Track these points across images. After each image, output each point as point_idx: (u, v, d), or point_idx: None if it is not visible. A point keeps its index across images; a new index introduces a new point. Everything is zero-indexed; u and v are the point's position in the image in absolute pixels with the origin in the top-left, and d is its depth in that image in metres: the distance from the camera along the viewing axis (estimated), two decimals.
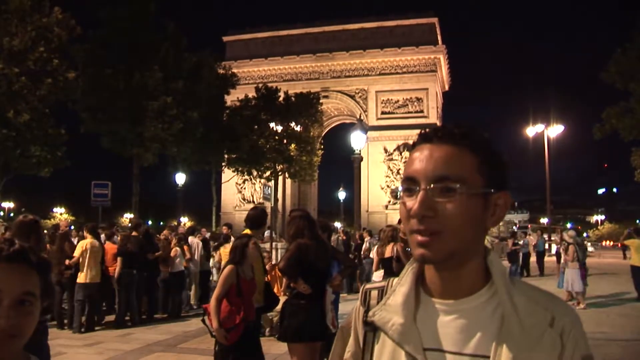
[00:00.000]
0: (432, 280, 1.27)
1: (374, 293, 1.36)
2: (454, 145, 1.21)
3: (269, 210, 45.80)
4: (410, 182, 1.22)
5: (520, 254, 24.06)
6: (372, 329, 1.31)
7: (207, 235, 18.87)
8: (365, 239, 18.58)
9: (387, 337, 1.26)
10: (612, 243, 60.70)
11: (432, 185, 1.17)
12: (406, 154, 53.54)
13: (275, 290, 11.07)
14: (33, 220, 5.54)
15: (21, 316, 1.37)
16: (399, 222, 11.19)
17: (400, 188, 1.25)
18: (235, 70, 43.07)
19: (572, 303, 14.67)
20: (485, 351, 1.17)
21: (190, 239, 14.93)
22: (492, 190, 1.22)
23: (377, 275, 9.52)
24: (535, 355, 1.14)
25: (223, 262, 6.56)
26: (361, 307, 1.36)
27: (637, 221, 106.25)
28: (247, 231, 6.79)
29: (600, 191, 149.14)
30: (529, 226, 65.41)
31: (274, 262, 13.41)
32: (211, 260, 15.73)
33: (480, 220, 1.21)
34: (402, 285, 1.29)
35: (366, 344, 1.33)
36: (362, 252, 18.16)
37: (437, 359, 1.20)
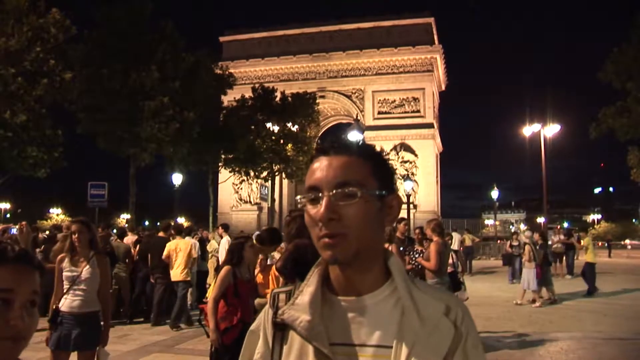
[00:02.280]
0: (337, 279, 1.36)
1: (282, 296, 1.43)
2: (349, 155, 1.33)
3: (265, 210, 45.70)
4: (313, 191, 1.32)
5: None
6: (280, 329, 1.38)
7: (206, 235, 18.83)
8: None
9: (295, 336, 1.33)
10: (600, 243, 61.15)
11: (334, 191, 1.28)
12: (403, 153, 53.67)
13: (270, 289, 11.10)
14: None
15: (30, 317, 1.37)
16: (400, 221, 11.22)
17: (300, 199, 1.36)
18: (231, 71, 43.05)
19: (530, 302, 14.76)
20: (388, 341, 1.26)
21: (187, 239, 14.90)
22: (387, 193, 1.34)
23: None
24: (433, 340, 1.24)
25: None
26: (270, 309, 1.43)
27: (634, 220, 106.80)
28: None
29: (597, 190, 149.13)
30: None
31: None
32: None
33: (379, 221, 1.33)
34: (308, 286, 1.38)
35: (275, 344, 1.39)
36: None
37: (343, 352, 1.28)
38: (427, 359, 1.22)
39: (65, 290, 5.35)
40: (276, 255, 14.69)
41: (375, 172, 1.32)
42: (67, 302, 5.32)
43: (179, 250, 12.15)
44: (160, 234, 13.50)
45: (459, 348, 1.26)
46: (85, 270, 5.39)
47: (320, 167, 1.34)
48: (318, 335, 1.28)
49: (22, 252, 1.42)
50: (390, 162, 1.43)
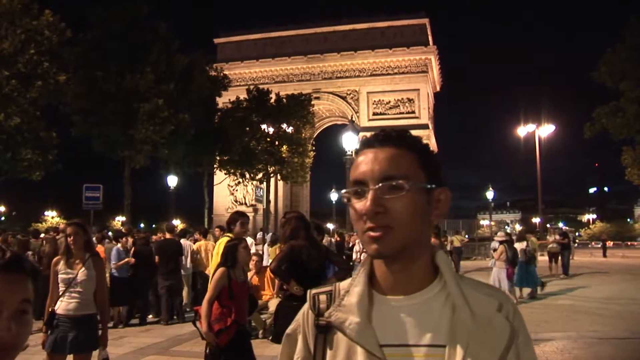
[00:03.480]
0: (384, 277, 1.33)
1: (323, 297, 1.40)
2: (395, 146, 1.30)
3: (261, 212, 45.64)
4: (358, 185, 1.29)
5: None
6: (322, 332, 1.35)
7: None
8: (357, 241, 18.36)
9: (341, 339, 1.31)
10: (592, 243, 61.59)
11: (380, 185, 1.25)
12: None
13: (267, 291, 11.10)
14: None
15: (21, 326, 1.33)
16: None
17: (344, 193, 1.33)
18: (226, 72, 43.08)
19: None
20: (441, 340, 1.24)
21: (182, 241, 14.89)
22: (434, 186, 1.31)
23: None
24: (487, 338, 1.22)
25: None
26: (310, 311, 1.40)
27: (628, 220, 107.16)
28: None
29: (592, 190, 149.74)
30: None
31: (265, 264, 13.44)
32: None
33: (426, 215, 1.30)
34: (355, 286, 1.34)
35: (317, 347, 1.36)
36: (355, 254, 17.91)
37: (395, 353, 1.25)
38: (484, 357, 1.20)
39: (61, 293, 5.34)
40: (259, 249, 14.59)
41: (422, 164, 1.30)
42: (63, 305, 5.31)
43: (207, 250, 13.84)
44: (168, 235, 13.83)
45: (513, 345, 1.24)
46: (81, 273, 5.38)
47: (365, 160, 1.30)
48: (368, 337, 1.26)
49: (13, 259, 1.37)
50: (437, 155, 1.39)
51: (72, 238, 5.44)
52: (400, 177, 1.25)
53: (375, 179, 1.25)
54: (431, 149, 1.37)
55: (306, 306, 1.43)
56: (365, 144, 1.35)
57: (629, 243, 62.38)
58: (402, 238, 1.24)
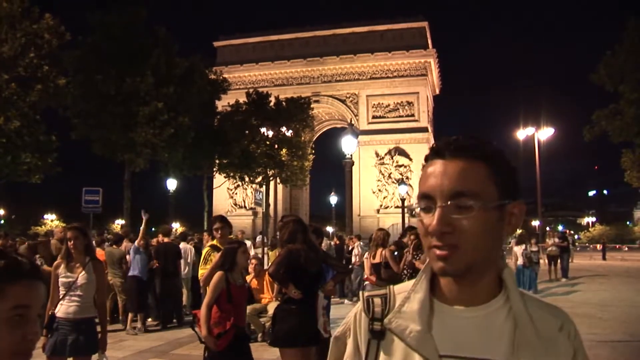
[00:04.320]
0: (448, 288, 1.30)
1: (378, 301, 1.36)
2: (467, 158, 1.24)
3: (260, 215, 45.63)
4: (426, 200, 1.24)
5: None
6: (377, 337, 1.32)
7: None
8: (356, 244, 18.26)
9: (398, 345, 1.28)
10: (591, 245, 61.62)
11: (448, 203, 1.20)
12: (397, 157, 53.73)
13: (266, 295, 11.10)
14: None
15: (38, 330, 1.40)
16: (410, 229, 11.16)
17: (415, 205, 1.28)
18: (226, 76, 43.13)
19: None
20: (499, 355, 1.21)
21: (182, 244, 14.90)
22: (507, 201, 1.24)
23: None
24: (551, 357, 1.21)
25: None
26: (364, 315, 1.36)
27: (628, 222, 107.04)
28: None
29: (591, 193, 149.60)
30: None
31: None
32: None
33: (496, 231, 1.24)
34: (416, 292, 1.31)
35: (369, 352, 1.33)
36: (354, 258, 17.78)
37: None
38: None
39: (61, 296, 5.37)
40: (258, 252, 14.61)
41: (495, 178, 1.23)
42: (63, 308, 5.34)
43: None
44: (165, 239, 13.79)
45: None
46: (81, 276, 5.42)
47: (435, 173, 1.25)
48: (429, 346, 1.23)
49: (35, 267, 1.43)
50: (512, 163, 1.30)
51: (72, 242, 5.48)
52: (470, 194, 1.20)
53: (445, 195, 1.21)
54: (507, 158, 1.30)
55: (358, 309, 1.40)
56: (435, 154, 1.29)
57: (626, 248, 62.30)
58: (469, 258, 1.21)
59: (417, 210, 1.27)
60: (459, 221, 1.19)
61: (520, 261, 17.05)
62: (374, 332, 1.32)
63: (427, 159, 1.32)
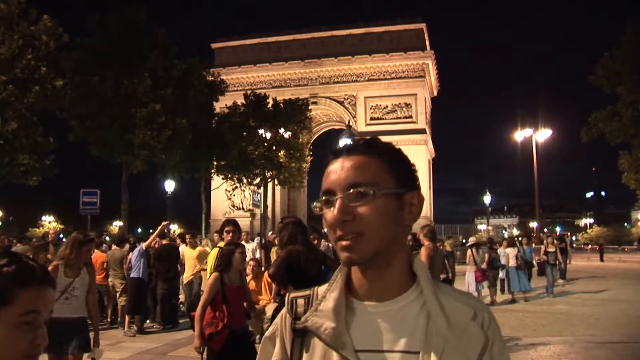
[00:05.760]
0: (360, 284, 1.33)
1: (300, 301, 1.40)
2: (363, 154, 1.30)
3: (258, 217, 45.63)
4: (328, 194, 1.30)
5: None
6: (299, 336, 1.36)
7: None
8: None
9: (317, 343, 1.31)
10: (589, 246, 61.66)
11: (346, 192, 1.26)
12: None
13: (264, 296, 11.09)
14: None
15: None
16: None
17: (316, 203, 1.33)
18: (223, 77, 43.09)
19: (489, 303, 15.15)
20: (415, 347, 1.24)
21: (182, 246, 14.91)
22: (404, 189, 1.30)
23: None
24: (462, 346, 1.22)
25: None
26: (288, 315, 1.40)
27: (625, 224, 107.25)
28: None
29: (589, 195, 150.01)
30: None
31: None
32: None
33: (398, 219, 1.30)
34: (332, 292, 1.35)
35: (293, 351, 1.37)
36: None
37: (369, 358, 1.26)
38: None
39: (56, 298, 5.45)
40: (256, 254, 14.61)
41: (390, 169, 1.29)
42: (57, 309, 5.44)
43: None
44: (164, 241, 13.78)
45: (486, 353, 1.24)
46: (77, 279, 5.81)
47: (334, 170, 1.31)
48: (344, 342, 1.26)
49: (46, 271, 1.44)
50: (408, 158, 1.38)
51: (84, 251, 6.00)
52: (366, 183, 1.25)
53: (343, 187, 1.27)
54: (402, 153, 1.37)
55: (284, 310, 1.44)
56: (334, 154, 1.35)
57: (626, 249, 62.41)
58: (374, 244, 1.25)
59: (318, 210, 1.32)
60: (358, 209, 1.24)
61: (512, 262, 17.21)
62: (296, 331, 1.36)
63: (328, 161, 1.37)
